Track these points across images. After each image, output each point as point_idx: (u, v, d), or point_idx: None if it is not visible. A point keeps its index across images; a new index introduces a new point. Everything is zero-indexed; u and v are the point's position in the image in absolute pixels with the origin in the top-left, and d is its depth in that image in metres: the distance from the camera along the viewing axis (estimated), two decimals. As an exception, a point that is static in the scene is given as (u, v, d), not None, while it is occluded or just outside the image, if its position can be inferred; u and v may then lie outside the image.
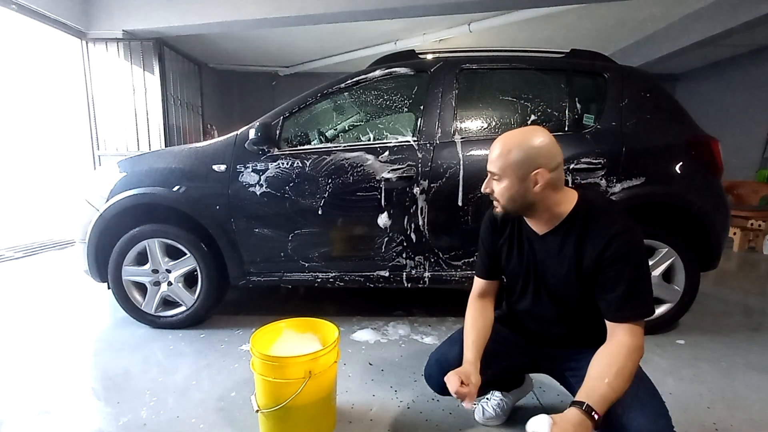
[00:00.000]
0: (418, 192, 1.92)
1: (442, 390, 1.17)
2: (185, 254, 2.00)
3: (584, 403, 0.84)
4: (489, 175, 1.04)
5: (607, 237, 0.95)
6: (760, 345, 1.96)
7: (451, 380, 1.02)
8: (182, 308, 2.07)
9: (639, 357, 0.90)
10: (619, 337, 0.91)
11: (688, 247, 1.96)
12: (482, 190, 1.07)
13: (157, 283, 2.05)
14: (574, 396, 1.12)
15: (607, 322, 0.96)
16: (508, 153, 0.98)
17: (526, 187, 0.98)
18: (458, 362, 1.12)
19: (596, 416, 0.83)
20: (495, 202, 1.06)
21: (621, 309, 0.93)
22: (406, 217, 1.94)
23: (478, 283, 1.23)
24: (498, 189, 1.02)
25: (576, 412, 0.83)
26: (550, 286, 1.08)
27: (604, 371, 0.87)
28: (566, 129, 1.97)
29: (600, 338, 1.03)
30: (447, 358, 1.15)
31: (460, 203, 1.91)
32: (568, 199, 1.02)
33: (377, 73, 2.05)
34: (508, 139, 1.00)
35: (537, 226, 1.07)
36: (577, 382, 1.07)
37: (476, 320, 1.16)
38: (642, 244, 0.97)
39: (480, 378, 1.05)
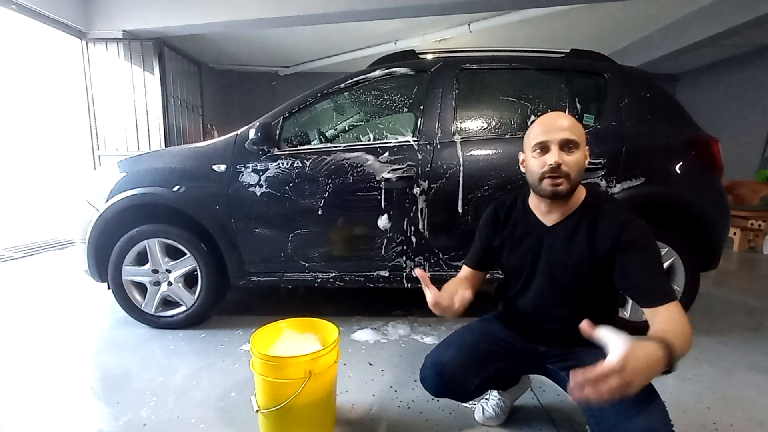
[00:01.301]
0: (418, 192, 1.92)
1: (437, 392, 1.17)
2: (185, 254, 2.00)
3: (668, 341, 0.75)
4: (560, 145, 0.98)
5: (621, 221, 0.98)
6: (760, 345, 1.96)
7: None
8: (182, 308, 2.07)
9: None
10: (670, 309, 0.90)
11: (688, 247, 1.96)
12: (555, 160, 0.97)
13: (157, 283, 2.05)
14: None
15: (647, 311, 0.94)
16: (576, 122, 1.01)
17: (584, 161, 1.02)
18: (453, 365, 1.12)
19: (672, 360, 0.75)
20: (558, 180, 0.98)
21: (658, 291, 0.93)
22: (406, 217, 1.94)
23: (464, 270, 1.26)
24: (573, 159, 0.98)
25: (657, 346, 0.74)
26: (556, 278, 1.08)
27: (671, 327, 0.84)
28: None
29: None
30: (442, 360, 1.14)
31: (459, 204, 1.91)
32: (580, 187, 1.07)
33: (377, 73, 2.05)
34: (564, 113, 1.04)
35: (549, 216, 1.08)
36: None
37: (452, 285, 1.13)
38: (651, 232, 1.00)
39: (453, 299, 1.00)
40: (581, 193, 1.07)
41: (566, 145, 0.98)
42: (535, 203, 1.12)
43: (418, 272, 1.04)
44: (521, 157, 1.11)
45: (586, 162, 1.03)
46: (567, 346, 1.13)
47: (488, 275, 1.29)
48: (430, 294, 0.99)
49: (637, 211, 1.04)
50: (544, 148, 1.00)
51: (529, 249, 1.11)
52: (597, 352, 0.95)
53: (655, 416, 0.87)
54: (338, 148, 1.97)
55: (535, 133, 1.02)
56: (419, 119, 2.00)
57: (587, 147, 1.05)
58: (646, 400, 0.90)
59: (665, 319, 0.89)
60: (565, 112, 1.97)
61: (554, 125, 0.99)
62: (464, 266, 1.27)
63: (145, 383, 1.58)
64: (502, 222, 1.17)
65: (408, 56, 2.15)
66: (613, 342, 0.72)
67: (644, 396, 0.91)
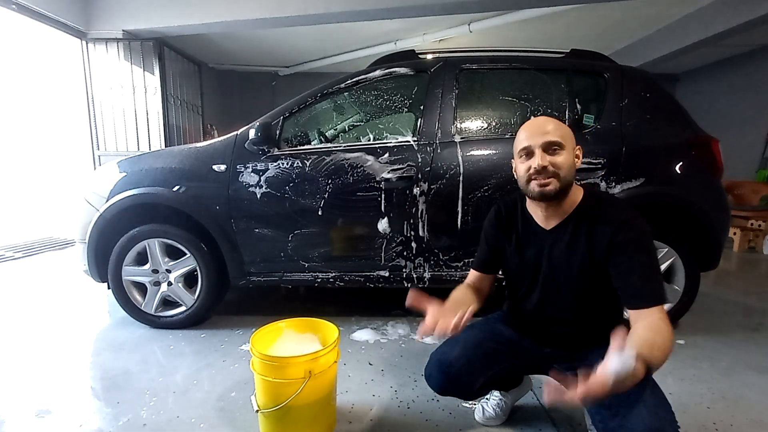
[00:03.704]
0: (418, 193, 1.92)
1: (442, 390, 1.17)
2: (185, 254, 2.00)
3: (649, 361, 0.78)
4: (544, 147, 0.99)
5: (617, 222, 0.98)
6: (760, 345, 1.96)
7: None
8: (182, 308, 2.07)
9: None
10: (654, 314, 0.90)
11: (688, 247, 1.96)
12: (538, 163, 0.98)
13: (157, 283, 2.05)
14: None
15: (631, 312, 0.94)
16: (561, 124, 1.03)
17: (574, 161, 1.03)
18: (459, 363, 1.12)
19: (649, 373, 0.80)
20: (548, 180, 0.99)
21: (645, 293, 0.93)
22: (406, 218, 1.94)
23: (472, 275, 1.25)
24: (559, 159, 0.99)
25: (641, 367, 0.77)
26: (559, 281, 1.08)
27: (650, 336, 0.84)
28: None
29: (605, 337, 1.03)
30: (448, 358, 1.14)
31: (459, 204, 1.91)
32: (577, 190, 1.07)
33: (377, 73, 2.05)
34: (549, 118, 1.05)
35: (547, 220, 1.08)
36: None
37: (458, 293, 1.16)
38: (650, 232, 0.99)
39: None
40: (578, 195, 1.06)
41: (550, 147, 0.99)
42: (533, 208, 1.11)
43: (411, 296, 1.04)
44: (513, 164, 1.11)
45: (578, 162, 1.04)
46: (573, 348, 1.13)
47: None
48: (429, 313, 0.99)
49: (636, 210, 1.03)
50: (528, 153, 1.02)
51: (531, 254, 1.11)
52: (602, 353, 0.95)
53: (660, 416, 0.87)
54: (338, 149, 1.97)
55: (520, 139, 1.05)
56: (419, 119, 2.00)
57: (579, 147, 1.05)
58: (652, 400, 0.89)
59: (648, 327, 0.88)
60: (565, 112, 1.98)
61: (537, 130, 1.01)
62: (471, 271, 1.25)
63: (145, 383, 1.58)
64: (505, 223, 1.17)
65: (408, 56, 2.15)
66: (615, 358, 0.77)
67: (650, 395, 0.90)
